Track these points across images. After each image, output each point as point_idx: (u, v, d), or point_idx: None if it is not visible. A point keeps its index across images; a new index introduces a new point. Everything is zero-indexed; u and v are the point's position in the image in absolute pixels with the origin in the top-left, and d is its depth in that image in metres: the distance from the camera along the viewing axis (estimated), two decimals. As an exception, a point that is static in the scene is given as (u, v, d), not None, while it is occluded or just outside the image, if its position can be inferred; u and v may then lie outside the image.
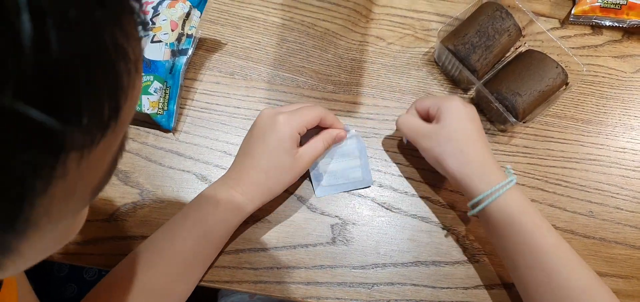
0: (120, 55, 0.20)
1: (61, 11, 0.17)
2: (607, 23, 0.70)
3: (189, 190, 0.58)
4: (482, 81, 0.63)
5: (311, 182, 0.60)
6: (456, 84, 0.66)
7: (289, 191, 0.60)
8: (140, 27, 0.22)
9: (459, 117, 0.53)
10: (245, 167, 0.53)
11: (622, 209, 0.62)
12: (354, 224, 0.59)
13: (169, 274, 0.50)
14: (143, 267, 0.49)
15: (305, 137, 0.55)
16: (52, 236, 0.25)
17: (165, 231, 0.51)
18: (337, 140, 0.58)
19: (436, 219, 0.60)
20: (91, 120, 0.19)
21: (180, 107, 0.62)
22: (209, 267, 0.55)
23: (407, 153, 0.63)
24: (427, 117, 0.57)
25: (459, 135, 0.52)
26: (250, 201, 0.52)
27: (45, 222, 0.21)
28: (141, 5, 0.23)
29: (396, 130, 0.61)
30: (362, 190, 0.60)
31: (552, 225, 0.59)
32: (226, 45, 0.66)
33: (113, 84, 0.20)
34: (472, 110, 0.55)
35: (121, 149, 0.25)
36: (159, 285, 0.49)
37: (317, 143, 0.55)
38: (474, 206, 0.52)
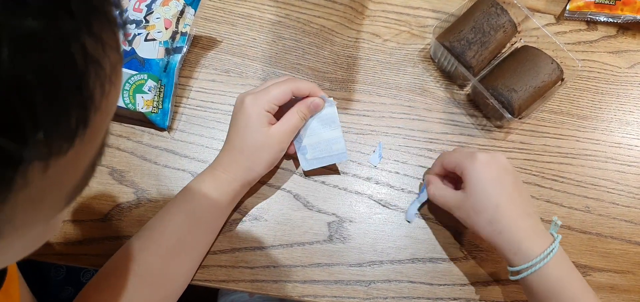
0: (91, 66, 0.19)
1: (17, 25, 0.16)
2: (602, 19, 0.70)
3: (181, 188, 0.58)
4: (477, 77, 0.63)
5: (297, 159, 0.59)
6: (452, 80, 0.66)
7: (285, 189, 0.59)
8: (120, 33, 0.22)
9: (484, 182, 0.50)
10: (224, 150, 0.54)
11: (618, 204, 0.62)
12: (350, 221, 0.59)
13: (161, 255, 0.50)
14: (137, 253, 0.49)
15: (287, 107, 0.55)
16: (21, 242, 0.24)
17: (156, 217, 0.52)
18: (313, 110, 0.56)
19: (433, 216, 0.60)
20: (52, 134, 0.18)
21: (175, 106, 0.61)
22: (206, 265, 0.55)
23: (404, 150, 0.62)
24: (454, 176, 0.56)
25: (485, 204, 0.50)
26: (232, 179, 0.53)
27: (10, 229, 0.20)
28: (121, 10, 0.22)
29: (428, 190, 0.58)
30: (358, 186, 0.60)
31: (549, 221, 0.59)
32: (222, 43, 0.65)
33: (81, 97, 0.19)
34: (499, 169, 0.51)
35: (100, 153, 0.24)
36: (153, 267, 0.49)
37: (291, 116, 0.54)
38: (513, 274, 0.50)
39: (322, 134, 0.58)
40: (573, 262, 0.58)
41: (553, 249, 0.48)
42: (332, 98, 0.57)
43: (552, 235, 0.51)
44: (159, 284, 0.50)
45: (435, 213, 0.60)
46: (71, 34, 0.18)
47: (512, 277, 0.50)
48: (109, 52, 0.20)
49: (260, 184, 0.59)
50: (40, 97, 0.17)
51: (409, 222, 0.59)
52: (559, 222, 0.52)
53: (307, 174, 0.60)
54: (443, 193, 0.55)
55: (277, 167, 0.60)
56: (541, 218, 0.60)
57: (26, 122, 0.17)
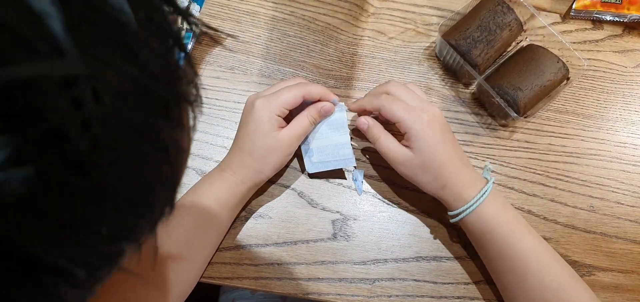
0: (182, 155, 0.23)
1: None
2: (608, 18, 0.69)
3: (189, 185, 0.58)
4: (483, 76, 0.63)
5: (302, 158, 0.59)
6: (457, 79, 0.66)
7: (289, 186, 0.59)
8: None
9: (431, 143, 0.51)
10: (233, 151, 0.55)
11: (622, 204, 0.62)
12: (355, 219, 0.59)
13: (169, 259, 0.50)
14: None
15: (298, 110, 0.55)
16: None
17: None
18: (324, 114, 0.56)
19: (438, 214, 0.60)
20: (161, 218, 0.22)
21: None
22: (210, 262, 0.55)
23: (408, 148, 0.62)
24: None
25: (432, 162, 0.52)
26: (241, 181, 0.53)
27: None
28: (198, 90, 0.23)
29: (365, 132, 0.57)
30: (363, 185, 0.60)
31: (553, 220, 0.60)
32: (226, 40, 0.65)
33: (173, 183, 0.23)
34: (441, 126, 0.52)
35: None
36: (160, 271, 0.49)
37: (301, 120, 0.55)
38: (452, 217, 0.54)
39: (330, 138, 0.58)
40: (576, 261, 0.59)
41: (486, 190, 0.52)
42: (342, 103, 0.57)
43: (486, 179, 0.54)
44: (166, 287, 0.50)
45: (439, 211, 0.60)
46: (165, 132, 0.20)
47: (452, 220, 0.54)
48: (188, 130, 0.23)
49: (265, 182, 0.59)
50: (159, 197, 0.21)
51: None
52: (491, 167, 0.55)
53: (312, 174, 0.60)
54: (391, 145, 0.54)
55: (281, 164, 0.60)
56: (544, 216, 0.60)
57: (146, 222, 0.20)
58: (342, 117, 0.57)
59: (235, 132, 0.56)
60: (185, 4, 0.59)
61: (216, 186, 0.52)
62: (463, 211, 0.52)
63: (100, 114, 0.16)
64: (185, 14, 0.21)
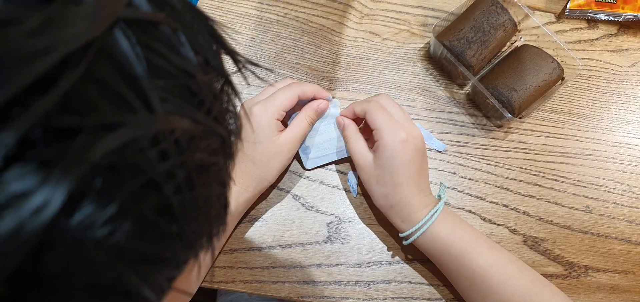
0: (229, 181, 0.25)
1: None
2: (603, 17, 0.69)
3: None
4: (477, 77, 0.63)
5: (299, 158, 0.59)
6: (452, 80, 0.66)
7: (284, 189, 0.59)
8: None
9: (395, 161, 0.51)
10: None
11: (618, 204, 0.62)
12: (350, 221, 0.59)
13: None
14: None
15: (291, 111, 0.56)
16: None
17: None
18: (320, 113, 0.57)
19: (433, 216, 0.60)
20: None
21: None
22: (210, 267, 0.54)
23: (403, 150, 0.62)
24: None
25: (387, 180, 0.51)
26: (244, 190, 0.53)
27: None
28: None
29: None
30: (358, 187, 0.60)
31: (549, 221, 0.60)
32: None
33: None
34: (412, 150, 0.51)
35: None
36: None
37: (300, 122, 0.55)
38: (404, 239, 0.53)
39: (326, 134, 0.59)
40: (573, 262, 0.59)
41: (436, 210, 0.51)
42: (336, 98, 0.57)
43: (439, 198, 0.53)
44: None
45: (434, 213, 0.60)
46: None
47: (404, 242, 0.53)
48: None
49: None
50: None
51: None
52: (447, 185, 0.56)
53: (308, 169, 0.60)
54: (358, 147, 0.54)
55: (276, 167, 0.60)
56: (539, 217, 0.60)
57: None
58: (336, 113, 0.58)
59: None
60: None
61: None
62: (412, 233, 0.51)
63: (181, 161, 0.18)
64: (233, 53, 0.24)
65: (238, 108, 0.25)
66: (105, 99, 0.16)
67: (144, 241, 0.18)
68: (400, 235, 0.53)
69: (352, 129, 0.56)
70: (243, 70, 0.26)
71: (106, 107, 0.15)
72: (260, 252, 0.57)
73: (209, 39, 0.21)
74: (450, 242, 0.51)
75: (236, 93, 0.24)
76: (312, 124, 0.56)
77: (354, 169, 0.61)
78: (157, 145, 0.17)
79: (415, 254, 0.57)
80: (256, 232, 0.57)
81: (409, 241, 0.52)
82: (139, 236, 0.17)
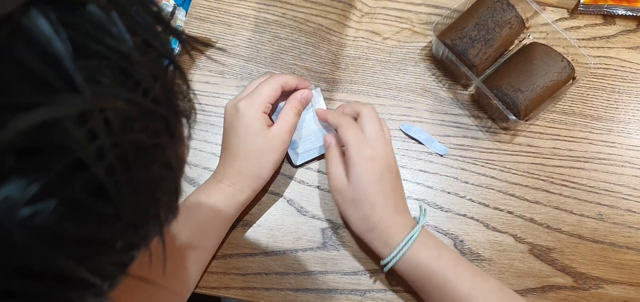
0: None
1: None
2: (620, 12, 0.65)
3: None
4: (481, 77, 0.60)
5: (288, 154, 0.58)
6: (455, 80, 0.63)
7: (279, 193, 0.58)
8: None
9: (366, 179, 0.49)
10: (226, 159, 0.53)
11: (635, 212, 0.58)
12: (345, 227, 0.57)
13: (165, 272, 0.48)
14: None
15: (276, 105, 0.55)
16: None
17: None
18: (305, 102, 0.55)
19: (433, 223, 0.57)
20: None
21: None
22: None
23: (403, 154, 0.60)
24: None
25: (363, 199, 0.49)
26: (239, 191, 0.52)
27: None
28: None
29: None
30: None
31: (558, 229, 0.57)
32: (216, 44, 0.64)
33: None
34: (382, 163, 0.50)
35: None
36: (155, 288, 0.48)
37: (287, 114, 0.53)
38: (384, 266, 0.51)
39: (311, 126, 0.58)
40: (583, 273, 0.56)
41: (413, 234, 0.49)
42: (318, 87, 0.57)
43: (417, 222, 0.51)
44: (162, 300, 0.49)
45: (435, 220, 0.57)
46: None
47: (384, 270, 0.51)
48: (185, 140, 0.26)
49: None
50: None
51: None
52: (425, 207, 0.55)
53: (297, 166, 0.59)
54: (335, 171, 0.52)
55: (270, 171, 0.58)
56: (547, 225, 0.57)
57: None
58: (320, 102, 0.58)
59: (222, 141, 0.55)
60: (170, 9, 0.58)
61: (214, 197, 0.51)
62: (392, 258, 0.49)
63: (112, 141, 0.18)
64: (178, 34, 0.23)
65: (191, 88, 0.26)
66: (22, 78, 0.16)
67: (75, 223, 0.17)
68: (382, 263, 0.51)
69: (333, 152, 0.53)
70: (191, 51, 0.26)
71: (22, 87, 0.16)
72: (253, 258, 0.55)
73: (150, 19, 0.21)
74: (431, 268, 0.48)
75: (183, 74, 0.24)
76: (299, 114, 0.55)
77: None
78: (85, 125, 0.16)
79: (413, 263, 0.55)
80: (250, 238, 0.56)
81: (387, 267, 0.50)
82: (69, 217, 0.17)
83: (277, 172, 0.59)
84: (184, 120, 0.25)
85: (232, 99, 0.54)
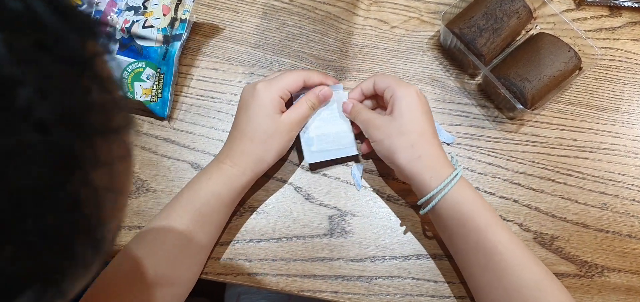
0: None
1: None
2: (626, 3, 0.65)
3: (184, 179, 0.57)
4: (489, 66, 0.60)
5: (301, 148, 0.57)
6: (463, 69, 0.63)
7: (286, 181, 0.58)
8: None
9: (413, 109, 0.50)
10: (232, 138, 0.53)
11: (638, 202, 0.59)
12: (353, 215, 0.57)
13: (169, 259, 0.49)
14: (141, 258, 0.47)
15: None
16: None
17: (160, 217, 0.50)
18: (322, 100, 0.55)
19: (439, 211, 0.57)
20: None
21: (175, 95, 0.60)
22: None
23: (410, 142, 0.60)
24: (378, 98, 0.57)
25: (411, 128, 0.50)
26: (241, 172, 0.51)
27: None
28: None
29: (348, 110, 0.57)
30: (362, 180, 0.58)
31: (562, 218, 0.57)
32: (224, 30, 0.64)
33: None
34: (426, 103, 0.52)
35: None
36: (160, 272, 0.48)
37: (300, 105, 0.54)
38: (423, 205, 0.50)
39: (331, 126, 0.57)
40: (587, 261, 0.57)
41: (458, 171, 0.49)
42: (346, 92, 0.57)
43: (457, 165, 0.51)
44: (166, 288, 0.49)
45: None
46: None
47: (423, 211, 0.50)
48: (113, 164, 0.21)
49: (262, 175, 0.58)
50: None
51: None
52: (456, 157, 0.54)
53: (312, 167, 0.58)
54: (370, 113, 0.53)
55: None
56: (552, 214, 0.58)
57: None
58: (342, 102, 0.57)
59: (233, 123, 0.54)
60: (179, -7, 0.57)
61: (214, 179, 0.51)
62: (439, 190, 0.48)
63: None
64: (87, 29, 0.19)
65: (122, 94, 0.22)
66: None
67: None
68: (423, 199, 0.49)
69: (358, 105, 0.55)
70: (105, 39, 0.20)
71: None
72: (260, 244, 0.56)
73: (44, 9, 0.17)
74: (472, 211, 0.48)
75: (107, 80, 0.20)
76: (313, 109, 0.55)
77: (361, 160, 0.59)
78: None
79: (419, 251, 0.56)
80: (256, 224, 0.56)
81: (432, 204, 0.48)
82: None
83: (283, 160, 0.59)
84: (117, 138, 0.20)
85: (252, 82, 0.54)
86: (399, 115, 0.50)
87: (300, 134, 0.56)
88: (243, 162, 0.51)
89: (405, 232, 0.56)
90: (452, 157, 0.52)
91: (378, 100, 0.57)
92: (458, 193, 0.48)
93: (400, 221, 0.57)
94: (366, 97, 0.57)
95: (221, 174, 0.51)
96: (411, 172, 0.49)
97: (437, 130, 0.59)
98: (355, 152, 0.58)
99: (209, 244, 0.53)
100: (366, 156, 0.59)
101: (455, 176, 0.48)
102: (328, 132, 0.57)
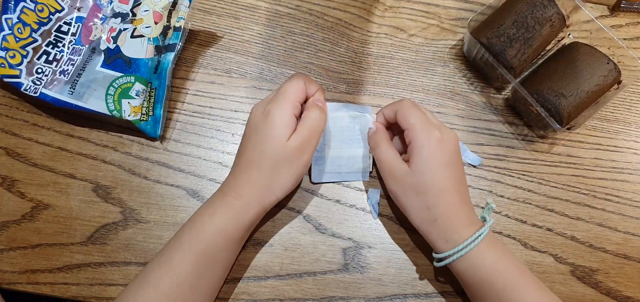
0: None
1: None
2: (664, 10, 0.60)
3: (178, 208, 0.50)
4: (519, 79, 0.54)
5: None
6: (488, 82, 0.58)
7: (294, 209, 0.51)
8: None
9: (434, 162, 0.45)
10: (238, 167, 0.46)
11: (683, 229, 0.53)
12: (370, 247, 0.51)
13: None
14: None
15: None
16: None
17: (160, 259, 0.43)
18: (324, 106, 0.48)
19: (466, 242, 0.52)
20: None
21: (168, 112, 0.53)
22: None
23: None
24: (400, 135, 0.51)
25: (430, 187, 0.45)
26: (247, 205, 0.45)
27: None
28: None
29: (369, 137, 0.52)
30: (379, 207, 0.52)
31: (601, 248, 0.52)
32: (222, 39, 0.57)
33: None
34: (450, 150, 0.46)
35: None
36: None
37: (305, 126, 0.45)
38: (437, 260, 0.46)
39: (348, 150, 0.52)
40: (630, 297, 0.51)
41: (481, 234, 0.44)
42: (373, 116, 0.52)
43: (484, 220, 0.47)
44: None
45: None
46: None
47: (436, 264, 0.46)
48: None
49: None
50: None
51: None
52: (493, 205, 0.49)
53: (313, 183, 0.53)
54: (390, 155, 0.47)
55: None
56: (590, 244, 0.52)
57: None
58: (366, 126, 0.52)
59: (238, 146, 0.48)
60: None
61: (219, 215, 0.44)
62: (453, 255, 0.44)
63: None
64: None
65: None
66: None
67: None
68: (436, 255, 0.46)
69: (383, 135, 0.49)
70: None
71: None
72: (266, 282, 0.49)
73: None
74: (494, 272, 0.43)
75: None
76: (322, 126, 0.47)
77: (377, 185, 0.53)
78: None
79: (445, 288, 0.50)
80: (261, 259, 0.50)
81: (444, 263, 0.45)
82: None
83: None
84: None
85: (260, 102, 0.47)
86: (418, 171, 0.45)
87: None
88: (248, 193, 0.45)
89: (429, 267, 0.50)
90: (487, 204, 0.48)
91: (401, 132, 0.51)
92: (476, 256, 0.44)
93: (423, 254, 0.51)
94: (389, 124, 0.51)
95: (227, 209, 0.44)
96: (424, 234, 0.47)
97: (461, 151, 0.53)
98: (366, 179, 0.53)
99: (215, 285, 0.46)
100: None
101: (473, 240, 0.44)
102: (342, 155, 0.52)
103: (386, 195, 0.53)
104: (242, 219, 0.45)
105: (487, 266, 0.44)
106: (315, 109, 0.46)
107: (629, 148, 0.56)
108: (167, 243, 0.44)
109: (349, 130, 0.52)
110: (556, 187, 0.54)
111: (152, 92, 0.50)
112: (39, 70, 0.50)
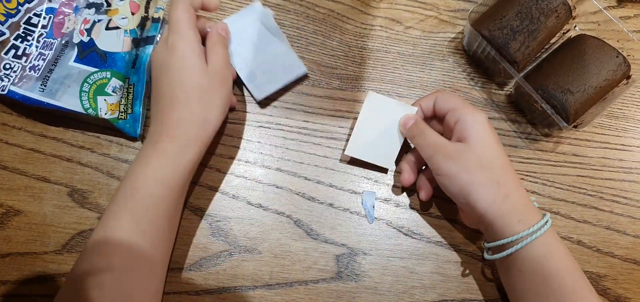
0: None
1: None
2: (674, 0, 0.57)
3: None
4: (522, 74, 0.51)
5: (247, 88, 0.52)
6: (489, 77, 0.55)
7: (284, 213, 0.48)
8: None
9: (490, 137, 0.42)
10: (160, 112, 0.43)
11: (694, 232, 0.51)
12: (364, 254, 0.48)
13: (117, 272, 0.38)
14: (87, 279, 0.37)
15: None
16: None
17: (99, 227, 0.40)
18: (224, 32, 0.48)
19: (467, 247, 0.48)
20: None
21: (148, 109, 0.50)
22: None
23: (430, 164, 0.51)
24: (438, 122, 0.48)
25: (492, 162, 0.41)
26: (184, 146, 0.42)
27: None
28: None
29: (402, 129, 0.48)
30: (374, 211, 0.49)
31: (609, 253, 0.50)
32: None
33: None
34: (494, 128, 0.44)
35: None
36: (111, 290, 0.38)
37: (215, 47, 0.45)
38: (495, 250, 0.42)
39: (266, 53, 0.51)
40: (641, 304, 0.48)
41: (548, 219, 0.41)
42: (268, 9, 0.51)
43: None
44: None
45: (469, 243, 0.49)
46: None
47: (492, 256, 0.42)
48: None
49: (251, 207, 0.48)
50: None
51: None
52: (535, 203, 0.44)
53: (259, 101, 0.51)
54: (441, 141, 0.44)
55: (280, 186, 0.49)
56: (597, 248, 0.50)
57: None
58: (271, 25, 0.51)
59: (151, 96, 0.45)
60: (152, -13, 0.47)
61: (153, 164, 0.41)
62: (529, 235, 0.40)
63: None
64: None
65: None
66: None
67: None
68: (499, 243, 0.41)
69: (422, 124, 0.46)
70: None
71: None
72: (253, 293, 0.46)
73: None
74: (561, 269, 0.40)
75: None
76: (226, 46, 0.47)
77: (372, 188, 0.50)
78: None
79: (445, 296, 0.47)
80: (248, 267, 0.47)
81: (516, 248, 0.40)
82: None
83: (279, 188, 0.49)
84: None
85: (157, 45, 0.45)
86: (478, 144, 0.42)
87: (240, 74, 0.50)
88: (183, 133, 0.42)
89: (427, 275, 0.47)
90: (533, 200, 0.44)
91: (433, 125, 0.48)
92: (546, 245, 0.40)
93: (421, 260, 0.48)
94: (424, 118, 0.48)
95: (160, 156, 0.41)
96: (495, 215, 0.41)
97: None
98: (304, 70, 0.51)
99: (165, 242, 0.43)
100: (379, 181, 0.50)
101: (546, 223, 0.40)
102: (265, 60, 0.51)
103: (382, 198, 0.50)
104: (181, 163, 0.42)
105: (557, 259, 0.40)
106: (219, 44, 0.45)
107: (638, 147, 0.53)
108: (108, 207, 0.41)
109: (257, 34, 0.50)
110: (561, 188, 0.52)
111: (131, 88, 0.47)
112: (7, 66, 0.46)
